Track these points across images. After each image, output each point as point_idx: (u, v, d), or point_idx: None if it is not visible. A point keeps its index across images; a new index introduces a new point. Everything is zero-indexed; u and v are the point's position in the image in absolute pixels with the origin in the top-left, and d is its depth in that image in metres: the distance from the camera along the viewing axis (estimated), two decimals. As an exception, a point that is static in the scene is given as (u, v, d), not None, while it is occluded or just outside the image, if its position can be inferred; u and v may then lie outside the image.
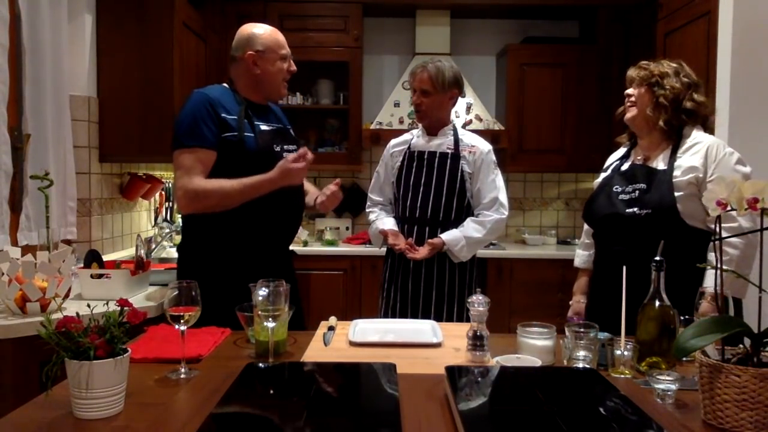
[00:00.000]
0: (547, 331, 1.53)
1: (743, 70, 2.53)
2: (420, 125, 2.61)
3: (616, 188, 2.02)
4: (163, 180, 3.64)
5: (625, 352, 1.43)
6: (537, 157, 4.15)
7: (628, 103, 2.05)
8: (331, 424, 1.08)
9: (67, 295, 2.08)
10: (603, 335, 1.50)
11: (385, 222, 2.60)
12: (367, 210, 2.73)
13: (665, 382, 1.26)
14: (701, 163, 1.89)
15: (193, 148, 1.97)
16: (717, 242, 1.20)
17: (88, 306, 1.25)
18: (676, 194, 1.88)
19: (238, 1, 3.99)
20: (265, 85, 2.14)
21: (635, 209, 1.92)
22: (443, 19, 4.20)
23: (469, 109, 4.08)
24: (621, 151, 2.18)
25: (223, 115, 2.01)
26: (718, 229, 1.24)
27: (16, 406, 1.21)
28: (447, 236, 2.45)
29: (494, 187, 2.50)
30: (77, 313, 1.28)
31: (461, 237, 2.45)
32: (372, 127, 4.02)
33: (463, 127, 3.92)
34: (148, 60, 3.10)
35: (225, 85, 2.15)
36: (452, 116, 2.61)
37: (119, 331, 1.18)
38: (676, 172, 1.91)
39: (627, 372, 1.42)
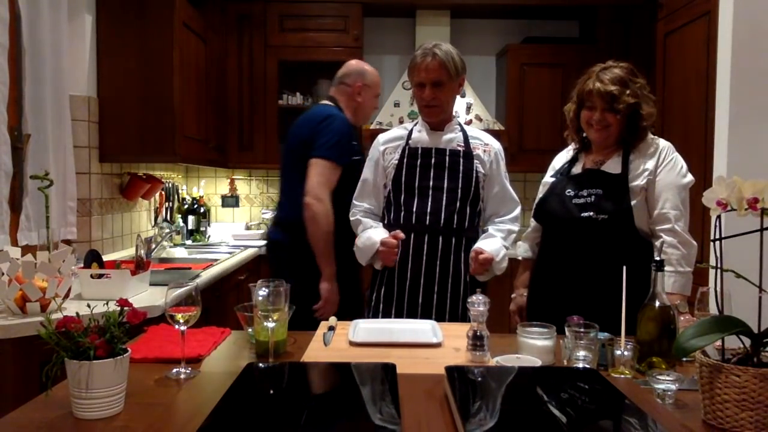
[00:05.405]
0: (547, 331, 1.53)
1: (743, 70, 2.53)
2: (420, 118, 2.25)
3: (569, 192, 2.00)
4: (163, 180, 3.63)
5: (625, 352, 1.43)
6: (537, 157, 4.12)
7: (597, 125, 1.96)
8: (331, 424, 1.08)
9: (67, 295, 2.07)
10: (603, 335, 1.50)
11: (379, 232, 2.17)
12: (351, 218, 2.28)
13: (665, 382, 1.26)
14: (653, 164, 1.94)
15: (335, 164, 2.40)
16: (717, 242, 1.19)
17: (88, 306, 1.25)
18: (632, 201, 1.91)
19: (238, 1, 3.99)
20: (360, 112, 2.63)
21: (591, 213, 1.92)
22: (443, 19, 4.21)
23: (469, 109, 4.07)
24: (569, 153, 2.16)
25: (353, 142, 2.48)
26: (718, 229, 1.23)
27: (16, 406, 1.21)
28: (488, 246, 2.09)
29: (513, 194, 2.24)
30: (77, 313, 1.28)
31: (500, 246, 2.13)
32: (372, 127, 4.01)
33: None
34: (148, 60, 3.10)
35: (330, 104, 2.60)
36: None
37: (119, 331, 1.18)
38: (631, 175, 1.94)
39: (627, 372, 1.42)
